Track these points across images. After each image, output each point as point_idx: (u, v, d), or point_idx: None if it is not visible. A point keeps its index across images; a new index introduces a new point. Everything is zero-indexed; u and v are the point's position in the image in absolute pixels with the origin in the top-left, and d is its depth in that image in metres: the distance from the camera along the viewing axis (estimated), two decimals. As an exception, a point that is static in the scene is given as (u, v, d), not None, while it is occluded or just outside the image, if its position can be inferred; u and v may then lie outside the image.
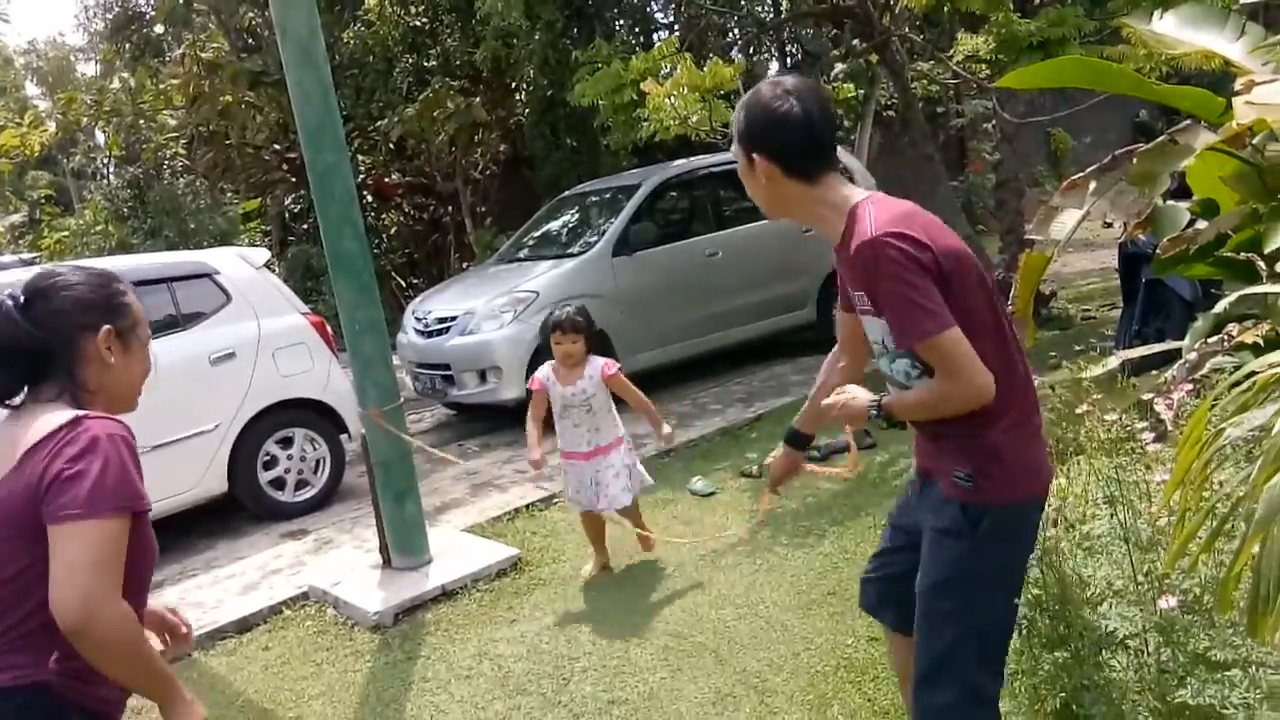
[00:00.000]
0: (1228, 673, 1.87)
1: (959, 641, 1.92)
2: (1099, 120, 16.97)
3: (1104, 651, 2.11)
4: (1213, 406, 1.84)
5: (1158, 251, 4.14)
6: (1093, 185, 4.10)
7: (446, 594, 4.29)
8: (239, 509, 5.81)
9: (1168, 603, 1.91)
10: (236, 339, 5.60)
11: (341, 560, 4.87)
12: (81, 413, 1.62)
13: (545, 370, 4.23)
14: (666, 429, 4.25)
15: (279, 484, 5.79)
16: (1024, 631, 2.35)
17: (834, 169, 2.01)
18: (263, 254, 6.06)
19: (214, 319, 5.59)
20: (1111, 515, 2.30)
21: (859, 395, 2.02)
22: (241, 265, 5.81)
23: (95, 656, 1.50)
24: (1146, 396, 3.91)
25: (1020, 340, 1.98)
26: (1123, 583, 2.18)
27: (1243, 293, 3.77)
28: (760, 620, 3.67)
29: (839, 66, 11.63)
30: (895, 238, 1.80)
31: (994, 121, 9.70)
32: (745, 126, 2.00)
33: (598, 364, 4.18)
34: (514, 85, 13.68)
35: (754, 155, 1.98)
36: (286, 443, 5.81)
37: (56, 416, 1.61)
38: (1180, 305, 5.56)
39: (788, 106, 1.93)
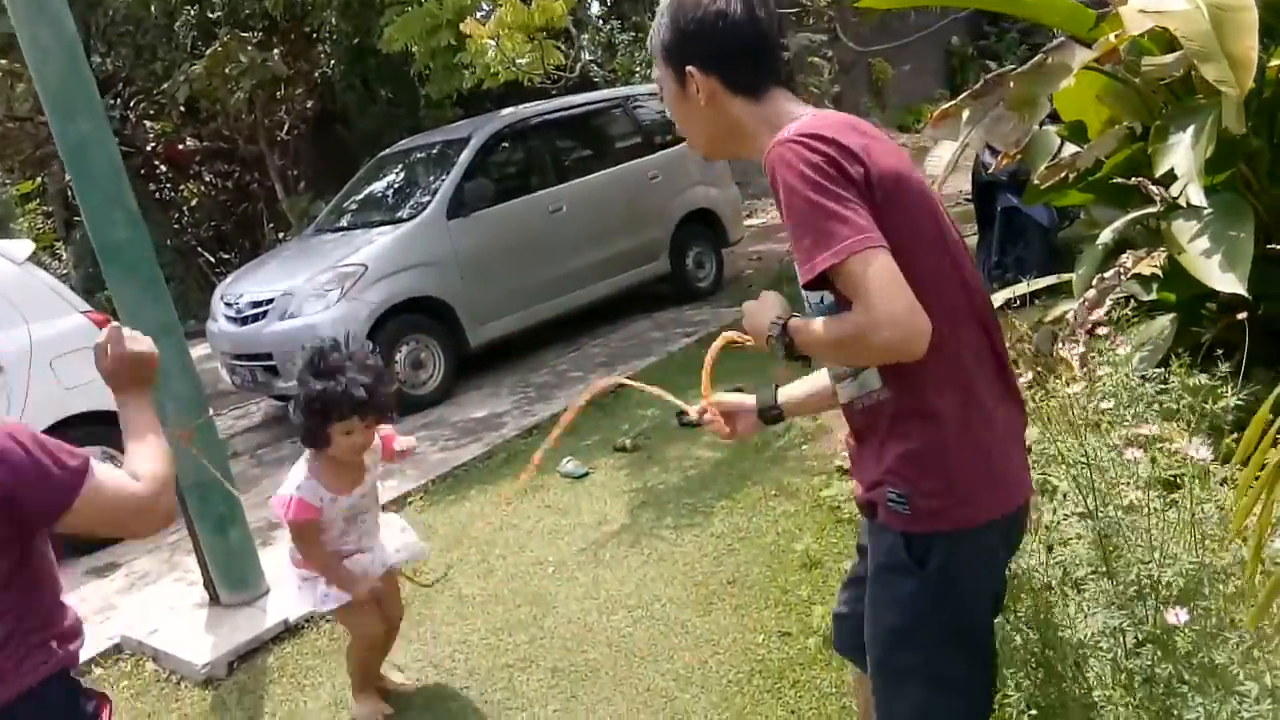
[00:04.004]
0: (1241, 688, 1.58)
1: (930, 702, 1.53)
2: (916, 49, 17.30)
3: (1082, 665, 1.80)
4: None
5: (1035, 180, 3.94)
6: (966, 114, 3.83)
7: (290, 630, 3.68)
8: (31, 546, 4.93)
9: (1177, 616, 1.59)
10: (2, 350, 4.68)
11: (160, 600, 4.16)
12: None
13: (308, 483, 2.69)
14: (409, 441, 3.04)
15: (76, 513, 4.94)
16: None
17: (782, 82, 1.58)
18: (25, 246, 5.09)
19: (-30, 329, 4.65)
20: (1075, 494, 1.98)
21: (768, 306, 1.56)
22: (0, 262, 4.86)
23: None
24: (1026, 333, 3.72)
25: (990, 309, 1.57)
26: (1095, 580, 1.87)
27: (1132, 216, 3.60)
28: (658, 623, 3.27)
29: (663, 1, 11.15)
30: (814, 139, 1.39)
31: (828, 54, 9.51)
32: (674, 34, 1.57)
33: (377, 441, 2.88)
34: (315, 34, 12.51)
35: (688, 69, 1.55)
36: (81, 464, 4.95)
37: None
38: (1038, 232, 5.47)
39: (724, 2, 1.53)
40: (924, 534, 1.48)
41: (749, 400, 1.93)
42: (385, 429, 2.91)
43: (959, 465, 1.47)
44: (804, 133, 1.40)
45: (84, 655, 3.73)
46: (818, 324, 1.44)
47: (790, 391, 1.89)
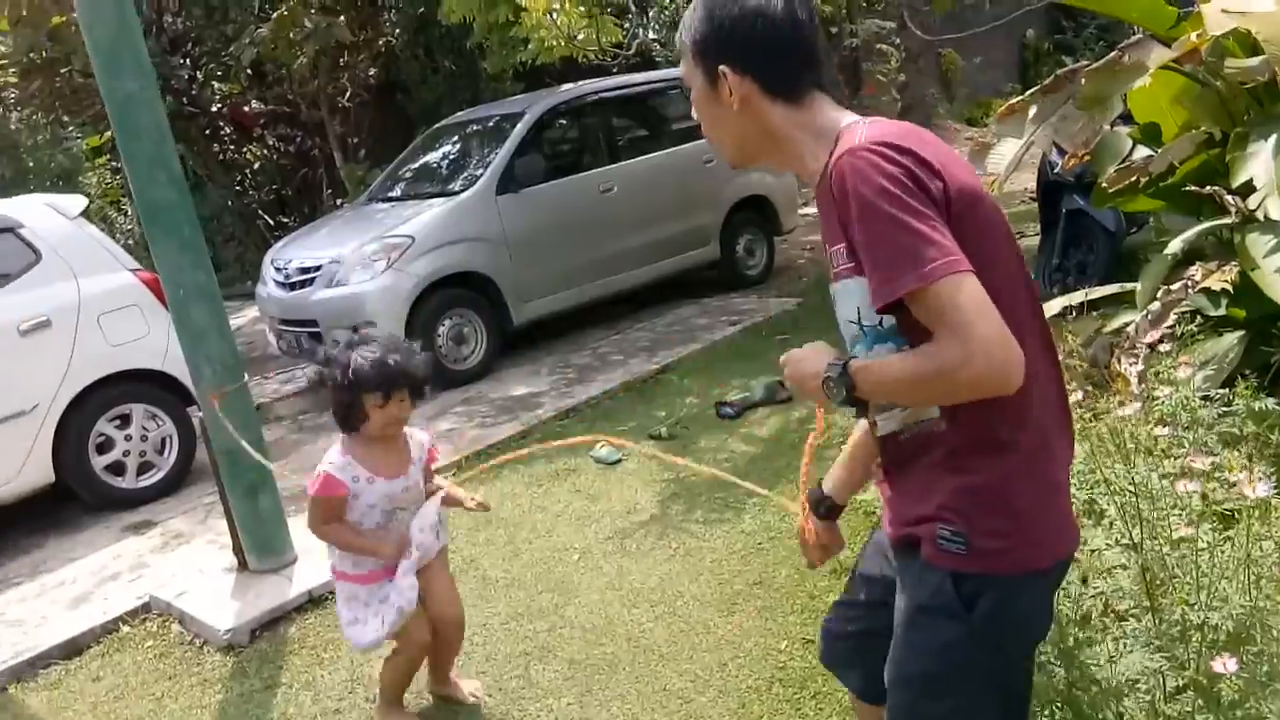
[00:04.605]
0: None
1: None
2: (988, 41, 16.83)
3: (1114, 707, 1.68)
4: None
5: (1103, 184, 3.76)
6: (1033, 110, 3.66)
7: (313, 600, 3.68)
8: (74, 497, 5.02)
9: (1225, 665, 1.47)
10: (51, 304, 4.74)
11: (190, 561, 4.19)
12: None
13: (341, 460, 2.56)
14: (476, 500, 2.78)
15: (118, 469, 5.01)
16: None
17: (823, 87, 1.46)
18: (78, 202, 5.15)
19: (20, 282, 4.71)
20: (1120, 523, 1.85)
21: (818, 352, 1.43)
22: (52, 216, 4.92)
23: None
24: (1085, 347, 3.55)
25: (1049, 336, 1.45)
26: (1137, 615, 1.75)
27: (1204, 226, 3.41)
28: (680, 621, 3.20)
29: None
30: (891, 149, 1.27)
31: (896, 41, 9.26)
32: (708, 30, 1.44)
33: (419, 436, 2.73)
34: (381, 2, 12.53)
35: (721, 69, 1.43)
36: (124, 421, 5.02)
37: None
38: (1104, 237, 5.25)
39: (763, 0, 1.40)
40: (977, 574, 1.36)
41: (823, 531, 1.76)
42: (428, 440, 2.77)
43: (1027, 503, 1.35)
44: (879, 141, 1.28)
45: (114, 612, 3.82)
46: (889, 362, 1.32)
47: (834, 475, 1.72)
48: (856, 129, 1.36)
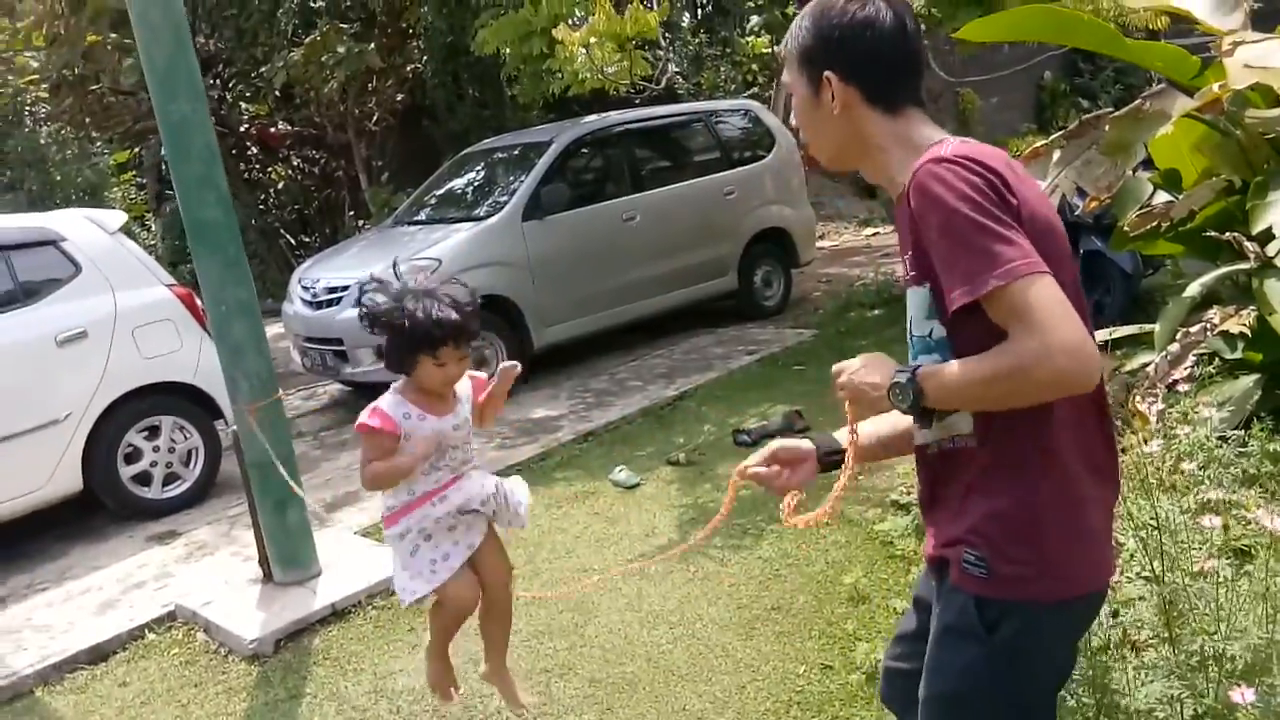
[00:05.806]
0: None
1: None
2: (1006, 82, 16.97)
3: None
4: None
5: (1124, 226, 3.83)
6: (1057, 154, 3.75)
7: (337, 613, 3.74)
8: (100, 506, 5.11)
9: (1243, 695, 1.52)
10: (88, 316, 4.86)
11: (215, 572, 4.26)
12: None
13: (394, 402, 2.50)
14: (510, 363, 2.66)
15: (144, 479, 5.10)
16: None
17: (920, 102, 1.51)
18: (118, 217, 5.28)
19: (60, 293, 4.83)
20: (1141, 556, 1.91)
21: (880, 360, 1.44)
22: (92, 230, 5.05)
23: None
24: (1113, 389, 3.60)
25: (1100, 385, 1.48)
26: (1155, 646, 1.80)
27: (1223, 271, 3.48)
28: (699, 643, 3.25)
29: (754, 19, 11.14)
30: (975, 162, 1.32)
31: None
32: (815, 38, 1.49)
33: (466, 382, 2.69)
34: (411, 29, 12.77)
35: (826, 75, 1.48)
36: (153, 432, 5.12)
37: None
38: (1121, 279, 5.33)
39: (874, 10, 1.46)
40: (999, 600, 1.40)
41: (804, 444, 1.69)
42: (478, 374, 2.72)
43: (1052, 533, 1.39)
44: (963, 154, 1.33)
45: (140, 619, 3.89)
46: (959, 364, 1.34)
47: (869, 429, 1.64)
48: (945, 144, 1.39)
